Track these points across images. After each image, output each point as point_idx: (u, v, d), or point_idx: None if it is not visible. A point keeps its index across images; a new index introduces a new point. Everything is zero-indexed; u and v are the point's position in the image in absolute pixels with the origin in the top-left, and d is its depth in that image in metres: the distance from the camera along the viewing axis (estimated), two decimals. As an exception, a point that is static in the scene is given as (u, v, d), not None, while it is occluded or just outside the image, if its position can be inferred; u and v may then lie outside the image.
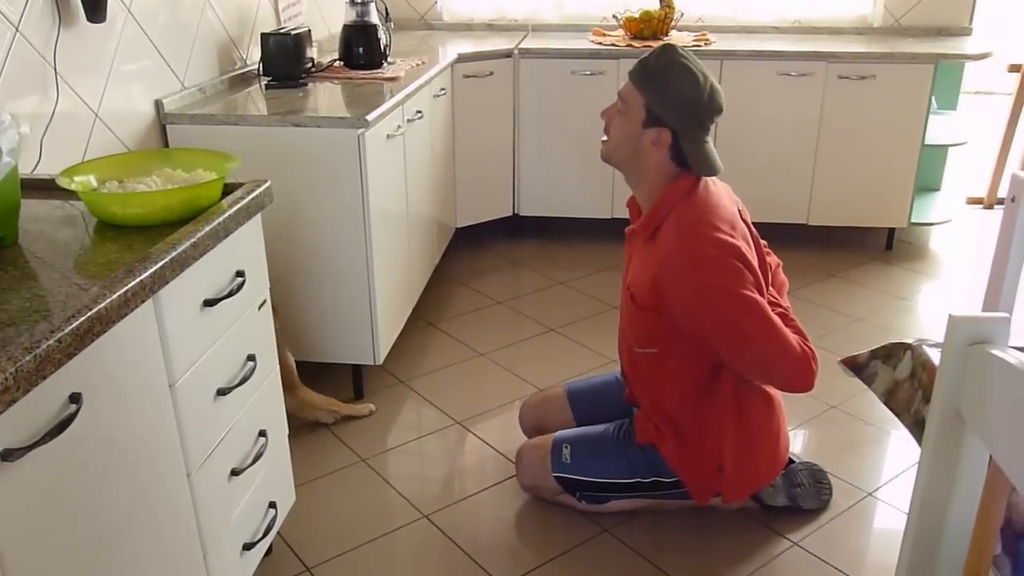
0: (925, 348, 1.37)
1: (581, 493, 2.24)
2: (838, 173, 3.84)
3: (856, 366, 1.57)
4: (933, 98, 3.68)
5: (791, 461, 2.30)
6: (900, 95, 3.68)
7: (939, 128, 3.89)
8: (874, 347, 1.54)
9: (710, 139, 2.01)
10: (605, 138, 2.06)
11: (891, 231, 4.03)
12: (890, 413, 1.50)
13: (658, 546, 2.16)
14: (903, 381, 1.41)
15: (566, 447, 2.22)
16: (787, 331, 1.93)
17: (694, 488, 2.15)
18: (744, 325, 1.90)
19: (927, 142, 3.75)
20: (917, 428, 1.34)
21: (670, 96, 1.94)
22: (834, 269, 3.81)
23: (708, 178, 2.05)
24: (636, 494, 2.21)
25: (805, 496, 2.25)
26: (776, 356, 1.92)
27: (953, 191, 4.42)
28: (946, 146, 3.98)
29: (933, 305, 3.56)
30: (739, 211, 2.09)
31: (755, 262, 1.96)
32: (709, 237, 1.90)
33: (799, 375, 1.94)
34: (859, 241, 4.10)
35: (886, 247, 4.04)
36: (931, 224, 4.03)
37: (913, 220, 3.90)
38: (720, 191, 2.07)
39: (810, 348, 1.96)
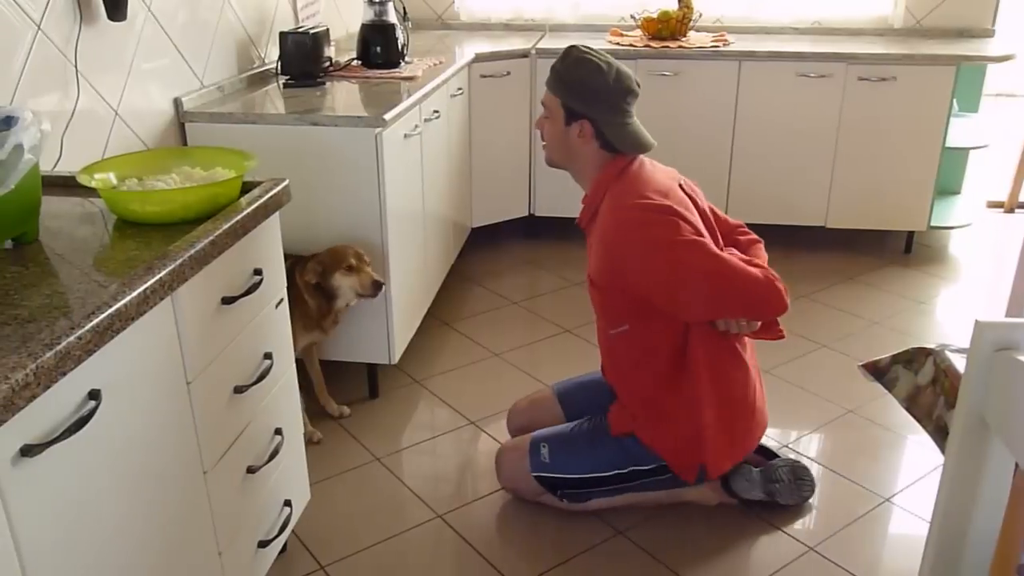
0: (947, 354, 1.35)
1: (562, 492, 2.25)
2: (857, 176, 3.81)
3: (877, 371, 1.55)
4: (954, 100, 3.66)
5: (774, 455, 2.33)
6: (921, 97, 3.65)
7: (960, 131, 3.86)
8: (895, 352, 1.53)
9: (633, 120, 2.11)
10: (544, 143, 2.19)
11: (910, 234, 4.00)
12: (907, 418, 1.49)
13: (672, 548, 2.15)
14: (925, 387, 1.40)
15: (544, 446, 2.24)
16: (739, 261, 2.00)
17: (677, 465, 2.17)
18: (689, 262, 1.96)
19: (948, 145, 3.72)
20: (939, 434, 1.32)
21: (579, 89, 2.06)
22: (852, 272, 3.78)
23: (646, 160, 2.15)
24: (616, 487, 2.23)
25: (783, 492, 2.26)
26: (737, 283, 1.97)
27: (973, 195, 4.38)
28: (967, 149, 3.96)
29: (952, 309, 3.53)
30: (682, 186, 2.15)
31: (695, 221, 2.02)
32: (636, 204, 2.00)
33: (766, 294, 1.99)
34: (878, 244, 4.07)
35: (905, 250, 4.01)
36: (951, 228, 4.00)
37: (933, 223, 3.87)
38: (657, 169, 2.15)
39: (773, 274, 2.01)
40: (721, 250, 2.09)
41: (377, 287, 2.42)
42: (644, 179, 2.07)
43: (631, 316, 2.10)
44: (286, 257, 2.46)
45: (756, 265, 2.05)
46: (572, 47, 2.10)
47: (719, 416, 2.12)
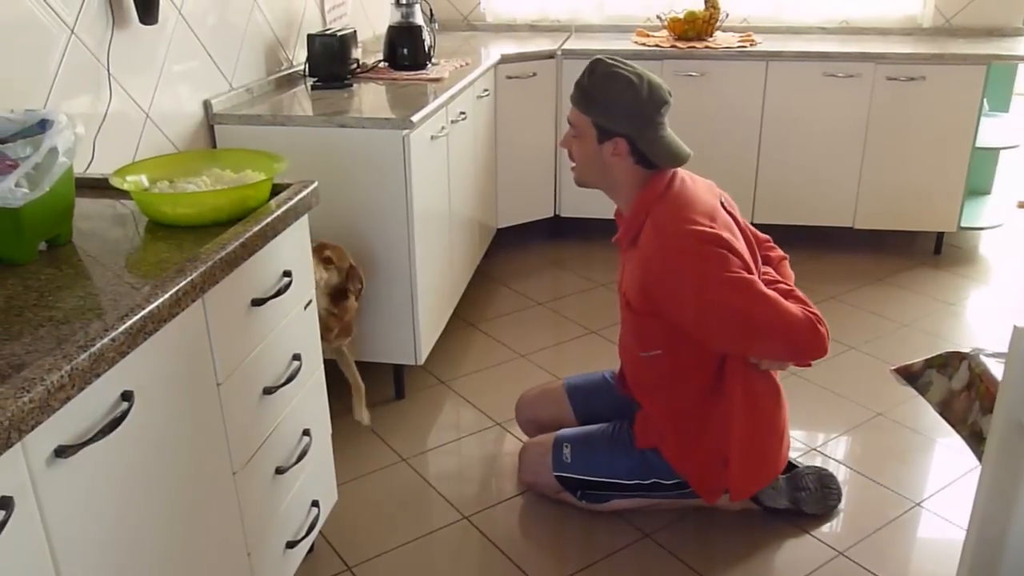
0: (983, 358, 1.34)
1: (582, 492, 2.24)
2: (886, 176, 3.77)
3: (910, 375, 1.53)
4: (985, 100, 3.61)
5: (794, 466, 2.30)
6: (951, 97, 3.61)
7: (991, 130, 3.81)
8: (927, 355, 1.51)
9: (668, 131, 2.02)
10: (573, 164, 2.10)
11: (940, 235, 3.95)
12: (938, 421, 1.47)
13: (700, 551, 2.14)
14: (959, 391, 1.38)
15: (567, 446, 2.24)
16: (785, 302, 1.93)
17: (700, 487, 2.14)
18: (738, 305, 1.89)
19: (978, 145, 3.67)
20: (975, 440, 1.30)
21: (611, 107, 1.96)
22: (881, 273, 3.75)
23: (685, 175, 2.07)
24: (636, 494, 2.22)
25: (809, 500, 2.24)
26: (781, 327, 1.90)
27: (1004, 195, 4.32)
28: (998, 149, 3.91)
29: (983, 311, 3.48)
30: (723, 203, 2.09)
31: (742, 247, 1.96)
32: (685, 231, 1.90)
33: (809, 340, 1.92)
34: (907, 245, 4.03)
35: (935, 251, 3.96)
36: (981, 228, 3.95)
37: (963, 224, 3.82)
38: (698, 186, 2.07)
39: (814, 313, 1.95)
40: (761, 273, 2.06)
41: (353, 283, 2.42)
42: (688, 199, 1.97)
43: (666, 342, 2.03)
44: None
45: (799, 299, 1.98)
46: (598, 60, 2.00)
47: (748, 443, 2.07)
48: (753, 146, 3.81)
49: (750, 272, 1.92)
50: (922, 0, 4.10)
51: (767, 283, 2.04)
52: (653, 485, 2.18)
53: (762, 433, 2.11)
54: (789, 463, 2.30)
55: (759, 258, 2.10)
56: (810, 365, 2.05)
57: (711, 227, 1.91)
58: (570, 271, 3.84)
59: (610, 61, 1.99)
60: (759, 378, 2.06)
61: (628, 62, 2.01)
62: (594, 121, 1.99)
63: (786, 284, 2.06)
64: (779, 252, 2.23)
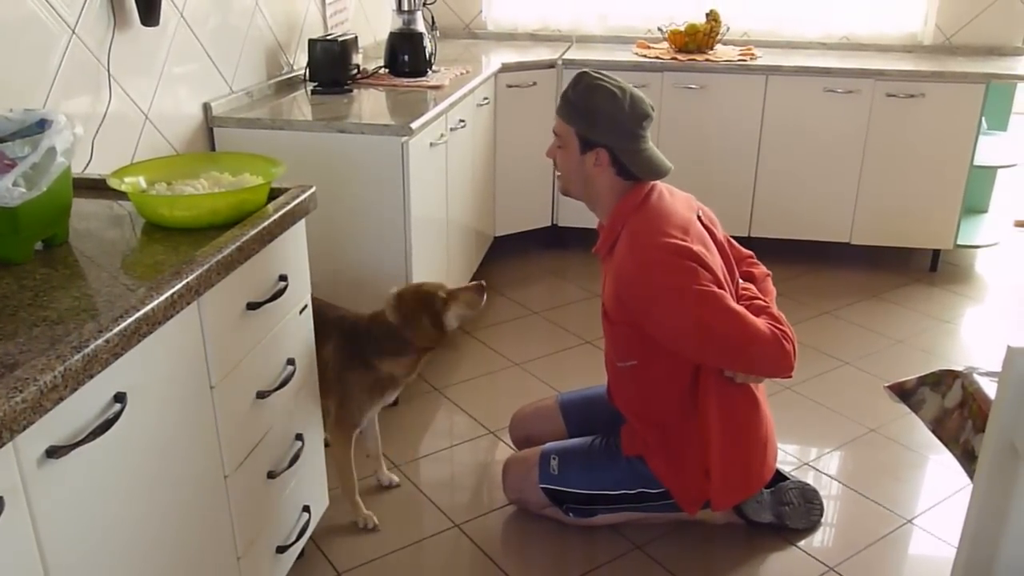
0: (976, 377, 1.34)
1: (568, 506, 2.24)
2: (883, 192, 3.78)
3: (903, 392, 1.54)
4: (983, 118, 3.62)
5: (784, 477, 2.30)
6: (949, 114, 3.62)
7: (989, 149, 3.82)
8: (921, 372, 1.51)
9: (649, 145, 2.04)
10: (559, 173, 2.13)
11: (936, 252, 3.96)
12: (931, 438, 1.47)
13: (692, 564, 2.13)
14: (952, 410, 1.38)
15: (554, 459, 2.23)
16: (752, 317, 1.95)
17: (682, 497, 2.15)
18: (705, 318, 1.91)
19: (976, 163, 3.69)
20: (966, 458, 1.31)
21: (593, 118, 2.00)
22: (877, 289, 3.75)
23: (664, 188, 2.10)
24: (623, 506, 2.21)
25: (793, 515, 2.24)
26: (745, 342, 1.92)
27: (1001, 213, 4.33)
28: (995, 168, 3.92)
29: (978, 329, 3.49)
30: (700, 217, 2.11)
31: (715, 262, 1.99)
32: (658, 243, 1.94)
33: (773, 356, 1.94)
34: (903, 262, 4.04)
35: (931, 268, 3.97)
36: (977, 247, 3.96)
37: (959, 242, 3.84)
38: (676, 200, 2.10)
39: (780, 329, 1.97)
40: (738, 290, 2.08)
41: (481, 291, 2.15)
42: (664, 212, 2.01)
43: (639, 352, 2.06)
44: (335, 319, 2.23)
45: (771, 316, 2.00)
46: (583, 73, 2.04)
47: (728, 455, 2.09)
48: (751, 160, 3.82)
49: (720, 287, 1.95)
50: (923, 18, 4.12)
51: (746, 299, 2.06)
52: (639, 495, 2.18)
53: (741, 444, 2.12)
54: (779, 473, 2.30)
55: (736, 273, 2.13)
56: (790, 377, 2.05)
57: (683, 240, 1.94)
58: (567, 280, 3.84)
59: (594, 74, 2.03)
60: (735, 390, 2.07)
61: (613, 76, 2.04)
62: (577, 131, 2.02)
63: (763, 301, 2.08)
64: (762, 269, 2.24)
